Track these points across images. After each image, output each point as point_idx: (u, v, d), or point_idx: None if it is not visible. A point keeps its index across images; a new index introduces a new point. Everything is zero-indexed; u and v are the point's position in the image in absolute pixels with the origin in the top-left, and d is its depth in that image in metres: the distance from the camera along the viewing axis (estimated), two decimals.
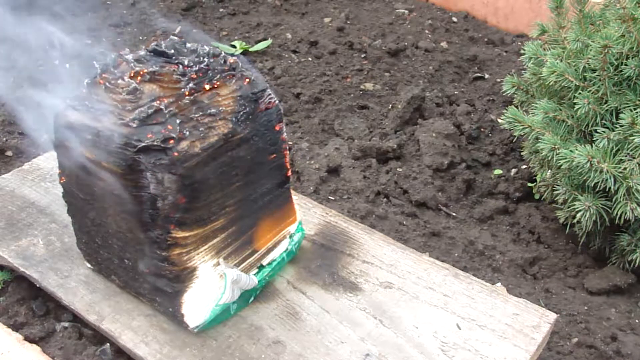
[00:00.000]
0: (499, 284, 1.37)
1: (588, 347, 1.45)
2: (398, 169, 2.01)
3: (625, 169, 1.49)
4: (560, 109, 1.65)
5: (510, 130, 1.70)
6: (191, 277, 1.19)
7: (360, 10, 3.09)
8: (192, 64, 1.15)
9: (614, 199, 1.53)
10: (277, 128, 1.25)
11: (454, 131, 2.13)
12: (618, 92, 1.58)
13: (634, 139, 1.49)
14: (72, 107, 1.18)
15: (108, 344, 1.28)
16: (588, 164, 1.48)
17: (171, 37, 1.23)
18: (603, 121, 1.58)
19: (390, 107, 2.35)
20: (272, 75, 2.50)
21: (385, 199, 1.92)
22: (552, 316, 1.27)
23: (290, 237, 1.39)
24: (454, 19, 2.99)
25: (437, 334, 1.24)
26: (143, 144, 1.06)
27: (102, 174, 1.15)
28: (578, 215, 1.56)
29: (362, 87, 2.47)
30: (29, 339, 1.29)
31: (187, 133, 1.09)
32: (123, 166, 1.09)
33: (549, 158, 1.59)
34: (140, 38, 2.80)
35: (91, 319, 1.28)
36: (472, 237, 1.79)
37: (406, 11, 3.06)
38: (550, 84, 1.65)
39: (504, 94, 1.99)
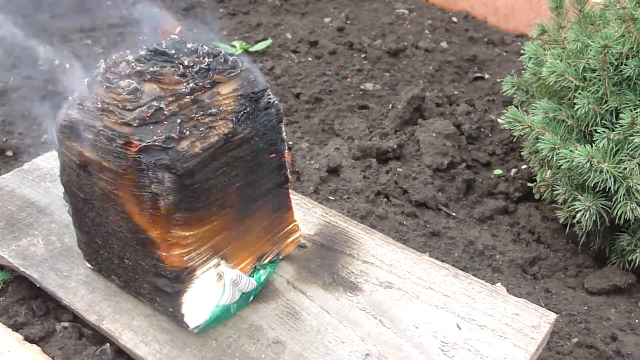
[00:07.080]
0: (499, 284, 1.37)
1: (588, 347, 1.45)
2: (398, 169, 2.01)
3: (625, 169, 1.49)
4: (560, 109, 1.65)
5: (510, 130, 1.70)
6: (191, 277, 1.19)
7: (360, 10, 3.09)
8: (192, 63, 1.15)
9: (614, 199, 1.53)
10: (277, 128, 1.25)
11: (454, 131, 2.13)
12: (618, 92, 1.58)
13: (634, 139, 1.49)
14: (73, 106, 1.18)
15: (108, 344, 1.28)
16: (588, 164, 1.48)
17: (171, 37, 1.23)
18: (603, 121, 1.58)
19: (390, 107, 2.35)
20: (272, 75, 2.50)
21: (385, 199, 1.92)
22: (552, 316, 1.27)
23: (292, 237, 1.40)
24: (454, 19, 2.99)
25: (437, 334, 1.24)
26: (144, 144, 1.07)
27: (103, 174, 1.15)
28: (578, 215, 1.56)
29: (362, 87, 2.47)
30: (29, 339, 1.29)
31: (188, 133, 1.09)
32: (123, 166, 1.10)
33: (549, 158, 1.59)
34: (140, 38, 2.80)
35: (91, 319, 1.28)
36: (472, 237, 1.79)
37: (406, 11, 3.06)
38: (550, 84, 1.65)
39: (504, 94, 1.99)
